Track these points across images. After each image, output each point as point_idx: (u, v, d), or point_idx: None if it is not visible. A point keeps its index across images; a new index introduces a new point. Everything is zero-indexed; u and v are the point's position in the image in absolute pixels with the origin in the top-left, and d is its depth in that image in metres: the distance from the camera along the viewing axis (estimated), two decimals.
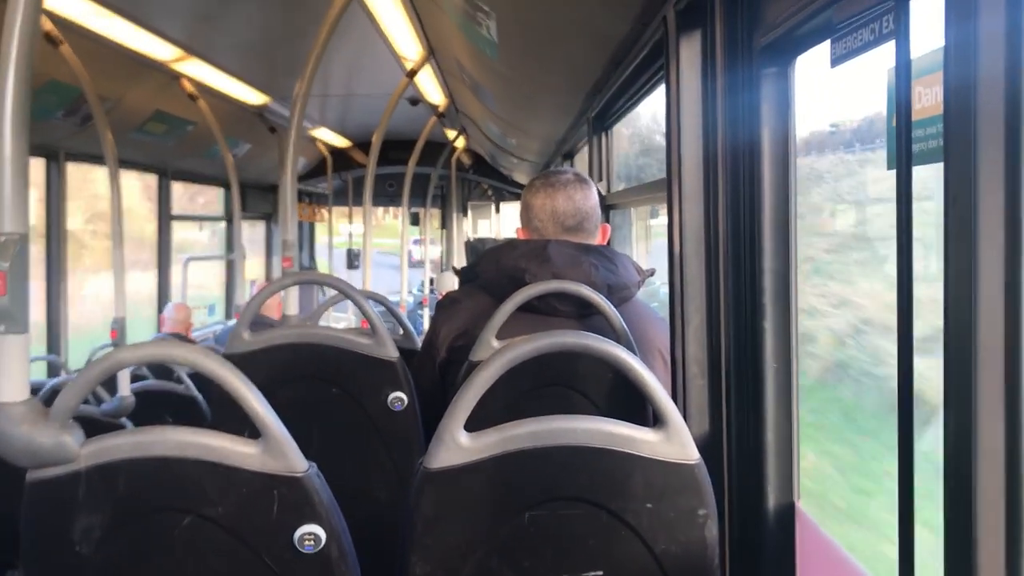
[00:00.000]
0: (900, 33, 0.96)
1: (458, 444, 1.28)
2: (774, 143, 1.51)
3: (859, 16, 1.08)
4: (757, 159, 1.52)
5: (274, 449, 1.25)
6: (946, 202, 0.83)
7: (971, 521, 0.78)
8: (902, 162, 0.94)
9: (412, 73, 5.01)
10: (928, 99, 0.94)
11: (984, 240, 0.76)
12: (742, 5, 1.51)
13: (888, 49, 1.09)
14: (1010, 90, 0.72)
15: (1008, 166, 0.73)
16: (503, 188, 10.66)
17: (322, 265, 11.69)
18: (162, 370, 4.45)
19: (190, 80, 5.20)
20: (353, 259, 10.58)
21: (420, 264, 10.71)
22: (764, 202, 1.52)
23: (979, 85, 0.76)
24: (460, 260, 10.07)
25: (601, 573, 1.31)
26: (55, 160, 5.05)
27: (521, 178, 9.32)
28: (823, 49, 1.29)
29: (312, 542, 1.27)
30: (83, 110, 4.53)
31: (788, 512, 1.52)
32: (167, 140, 5.90)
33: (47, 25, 3.62)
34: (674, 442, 1.28)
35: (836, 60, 1.20)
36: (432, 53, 4.74)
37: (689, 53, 1.77)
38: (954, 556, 0.83)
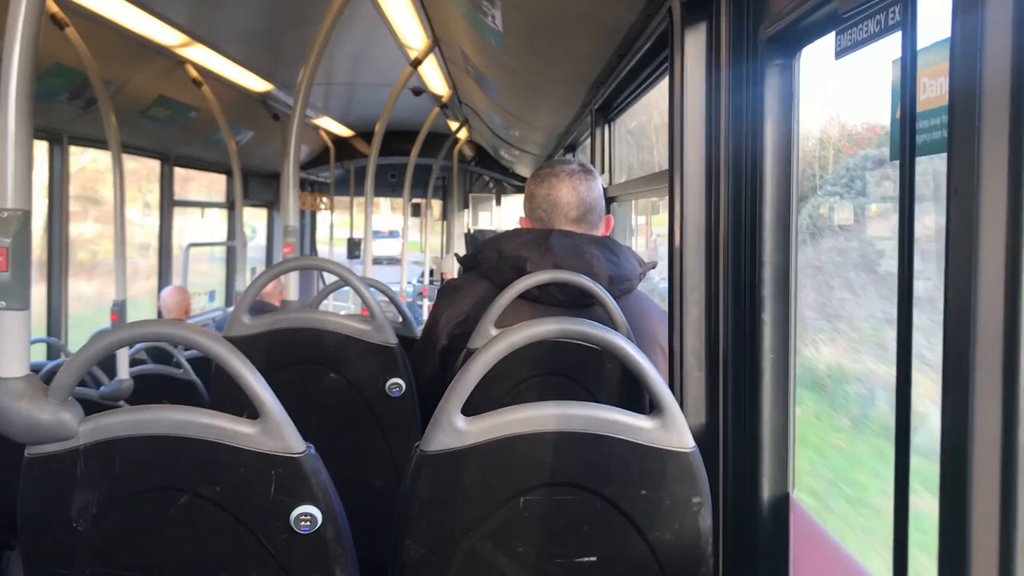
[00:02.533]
0: (907, 24, 0.96)
1: (455, 428, 1.28)
2: (777, 136, 1.51)
3: (865, 7, 1.08)
4: (760, 152, 1.52)
5: (272, 429, 1.26)
6: (948, 193, 0.83)
7: (965, 509, 0.79)
8: (905, 153, 0.94)
9: (416, 63, 5.00)
10: (932, 90, 0.94)
11: (985, 231, 0.76)
12: None
13: (890, 42, 1.09)
14: (1016, 81, 0.72)
15: (1011, 157, 0.73)
16: (504, 180, 10.66)
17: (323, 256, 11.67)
18: (161, 354, 4.46)
19: (194, 66, 5.20)
20: (354, 248, 10.57)
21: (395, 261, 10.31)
22: (766, 195, 1.52)
23: (984, 76, 0.76)
24: (460, 252, 10.03)
25: (595, 559, 1.31)
26: (58, 143, 5.05)
27: (523, 171, 9.31)
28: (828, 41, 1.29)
29: (308, 522, 1.27)
30: (87, 93, 4.53)
31: (783, 502, 1.53)
32: (170, 125, 5.90)
33: (52, 7, 3.61)
34: (670, 430, 1.29)
35: (841, 52, 1.20)
36: (437, 43, 4.73)
37: (694, 44, 1.77)
38: (948, 543, 0.83)
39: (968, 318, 0.78)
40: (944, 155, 0.85)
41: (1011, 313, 0.74)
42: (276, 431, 1.26)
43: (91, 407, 1.30)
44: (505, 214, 10.79)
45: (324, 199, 10.59)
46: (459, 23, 3.55)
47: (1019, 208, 0.72)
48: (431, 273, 9.86)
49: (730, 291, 1.61)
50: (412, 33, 4.62)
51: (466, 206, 10.90)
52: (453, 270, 9.26)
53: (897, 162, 0.99)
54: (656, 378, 1.30)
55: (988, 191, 0.75)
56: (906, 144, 0.94)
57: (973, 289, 0.77)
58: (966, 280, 0.78)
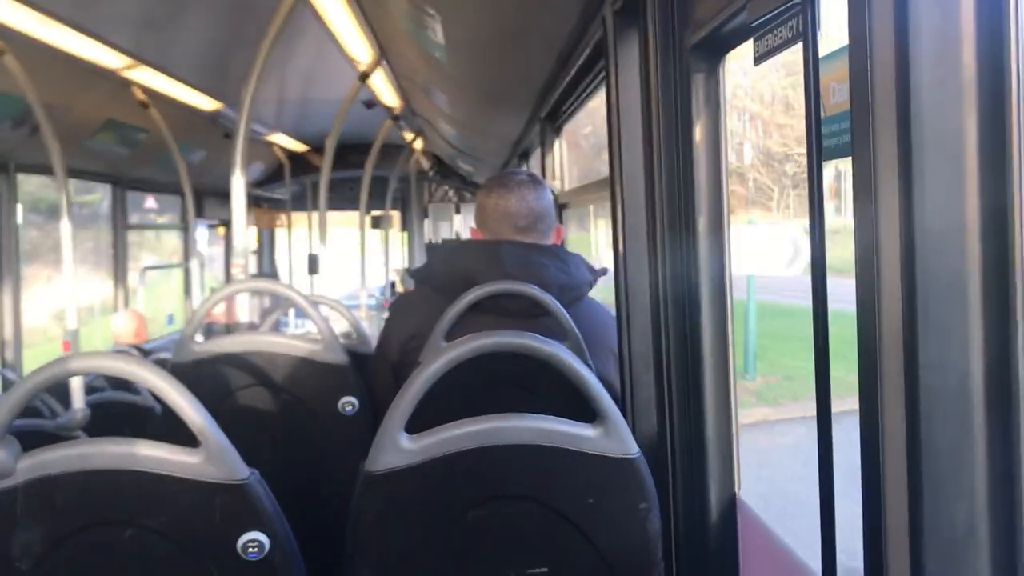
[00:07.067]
0: (808, 31, 0.98)
1: (399, 447, 1.29)
2: (707, 141, 1.53)
3: (771, 15, 1.10)
4: (691, 157, 1.54)
5: (214, 457, 1.25)
6: (854, 195, 0.85)
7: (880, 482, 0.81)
8: (813, 157, 0.96)
9: (364, 76, 4.99)
10: (841, 95, 0.96)
11: (883, 232, 0.78)
12: (673, 4, 1.53)
13: None
14: (900, 86, 0.75)
15: (900, 159, 0.75)
16: (463, 190, 10.66)
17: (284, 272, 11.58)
18: (119, 381, 4.39)
19: (141, 88, 5.14)
20: (314, 264, 10.49)
21: None
22: (699, 200, 1.54)
23: (875, 81, 0.78)
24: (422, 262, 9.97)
25: (546, 570, 1.32)
26: (5, 171, 4.97)
27: (481, 179, 9.32)
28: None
29: (256, 549, 1.26)
30: (32, 120, 4.46)
31: (730, 503, 1.54)
32: (120, 149, 5.82)
33: None
34: (613, 437, 1.30)
35: (759, 58, 1.22)
36: (384, 55, 4.73)
37: (626, 52, 1.79)
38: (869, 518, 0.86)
39: (874, 312, 0.80)
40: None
41: (909, 307, 0.76)
42: (218, 459, 1.25)
43: (46, 439, 1.28)
44: (465, 223, 10.77)
45: (282, 216, 10.52)
46: (405, 36, 3.55)
47: (911, 209, 0.74)
48: (392, 287, 9.83)
49: (670, 296, 1.63)
50: (358, 47, 4.61)
51: (426, 216, 10.88)
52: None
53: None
54: (596, 386, 1.32)
55: (883, 194, 0.78)
56: (813, 148, 0.96)
57: (876, 287, 0.79)
58: (871, 280, 0.80)
